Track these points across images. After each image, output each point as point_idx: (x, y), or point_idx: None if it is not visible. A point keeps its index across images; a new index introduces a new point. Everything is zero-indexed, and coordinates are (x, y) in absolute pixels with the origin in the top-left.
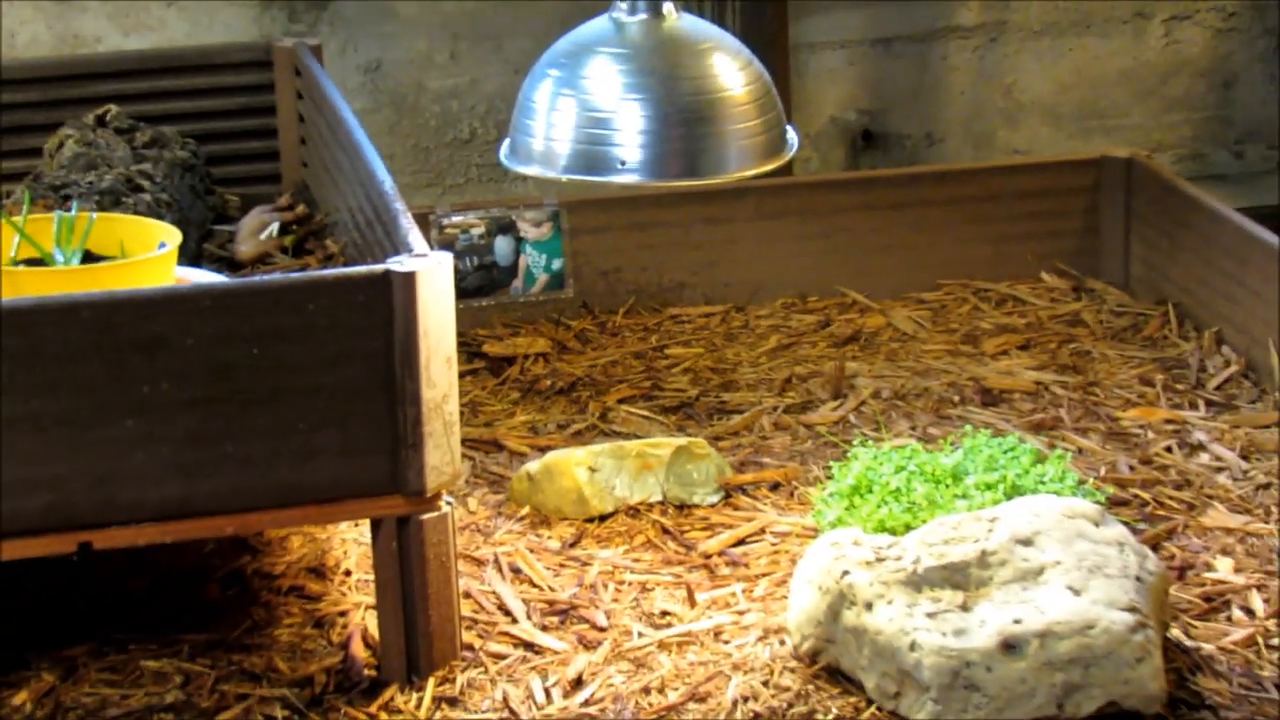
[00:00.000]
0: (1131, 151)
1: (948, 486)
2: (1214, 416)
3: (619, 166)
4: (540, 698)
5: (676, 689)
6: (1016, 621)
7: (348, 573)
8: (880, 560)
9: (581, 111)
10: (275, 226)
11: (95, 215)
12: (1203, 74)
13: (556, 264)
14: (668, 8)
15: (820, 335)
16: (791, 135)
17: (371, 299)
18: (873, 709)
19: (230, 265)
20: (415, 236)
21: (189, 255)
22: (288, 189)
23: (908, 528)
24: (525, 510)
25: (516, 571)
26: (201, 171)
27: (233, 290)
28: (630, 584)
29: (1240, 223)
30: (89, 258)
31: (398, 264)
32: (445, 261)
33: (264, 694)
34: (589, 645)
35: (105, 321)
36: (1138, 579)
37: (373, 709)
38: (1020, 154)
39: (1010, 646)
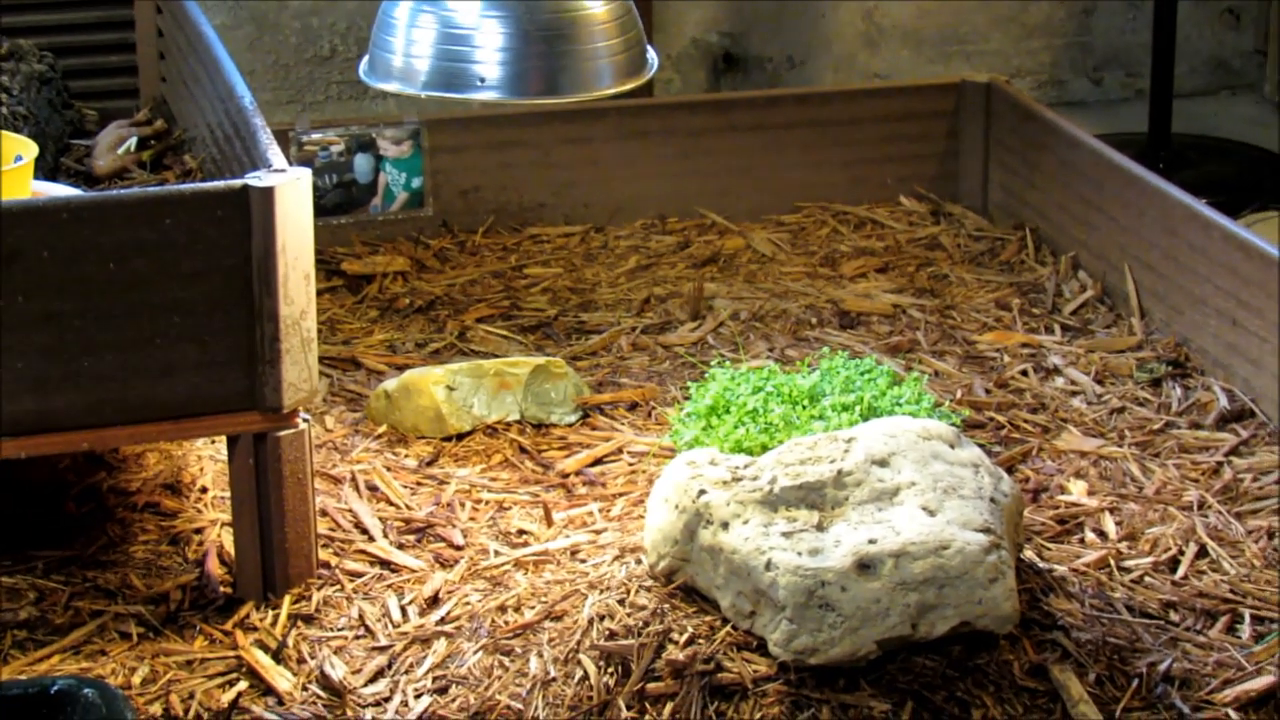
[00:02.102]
0: (991, 77)
1: (805, 407)
2: (1069, 341)
3: (479, 84)
4: (396, 615)
5: (533, 607)
6: (871, 542)
7: (204, 490)
8: (737, 480)
9: (441, 28)
10: (133, 141)
11: None
12: (1062, 0)
13: (416, 182)
14: None
15: (679, 256)
16: (651, 55)
17: (229, 214)
18: (728, 628)
19: (87, 179)
20: (274, 152)
21: (46, 169)
22: (146, 104)
23: (764, 448)
24: (383, 428)
25: (373, 490)
26: (59, 85)
27: (89, 204)
28: (487, 503)
29: (1098, 149)
30: None
31: (256, 179)
32: (304, 177)
33: (119, 610)
34: (446, 564)
35: None
36: (992, 500)
37: (228, 626)
38: (880, 78)
39: (865, 566)
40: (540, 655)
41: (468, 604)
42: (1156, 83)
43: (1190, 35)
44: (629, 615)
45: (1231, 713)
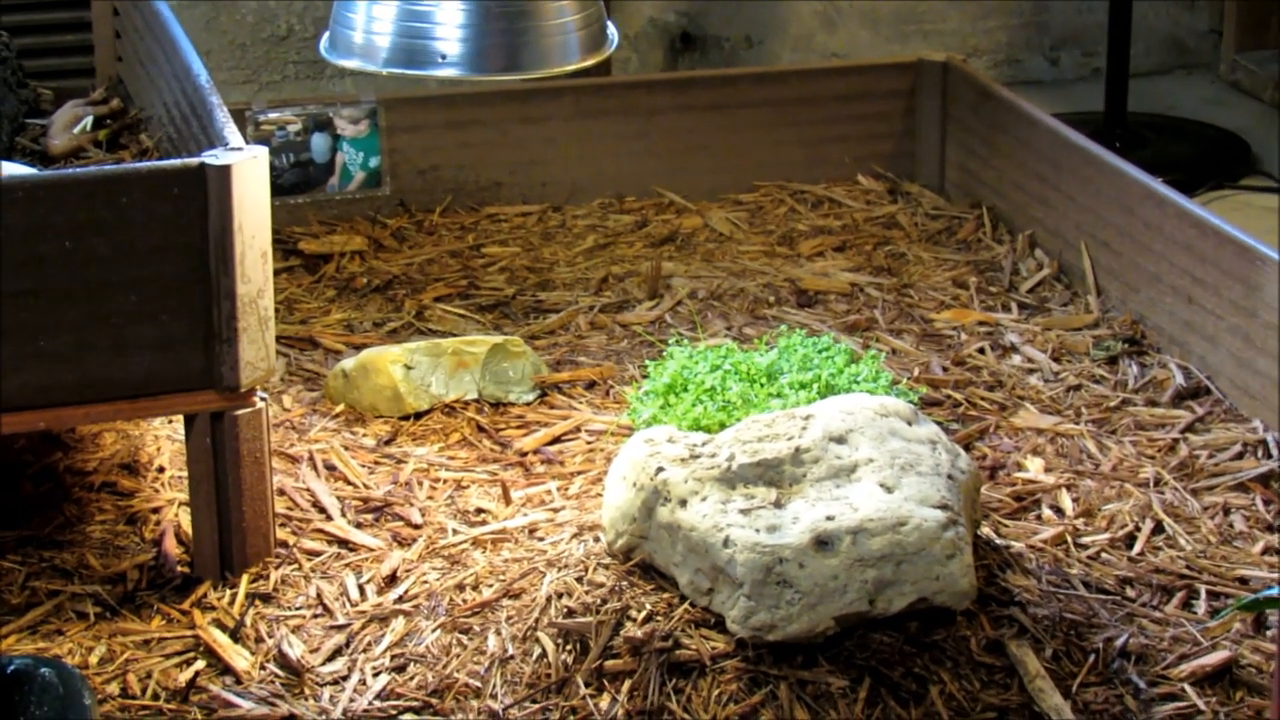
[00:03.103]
0: (948, 56)
1: (762, 385)
2: (1026, 319)
3: (440, 60)
4: (354, 594)
5: (491, 585)
6: (829, 518)
7: (161, 469)
8: (695, 457)
9: (403, 5)
10: (89, 120)
11: None
12: None
13: (374, 162)
14: None
15: (637, 235)
16: (612, 31)
17: (186, 192)
18: (686, 605)
19: (43, 159)
20: (231, 130)
21: (0, 149)
22: (102, 83)
23: (722, 426)
24: (340, 408)
25: (331, 469)
26: (14, 64)
27: (45, 183)
28: (445, 481)
29: (1055, 127)
30: None
31: (213, 157)
32: (261, 156)
33: (76, 590)
34: (404, 542)
35: None
36: (949, 477)
37: (185, 605)
38: (838, 57)
39: (823, 543)
40: (498, 633)
41: (426, 582)
42: (1113, 62)
43: (1146, 15)
44: (587, 593)
45: (1187, 687)
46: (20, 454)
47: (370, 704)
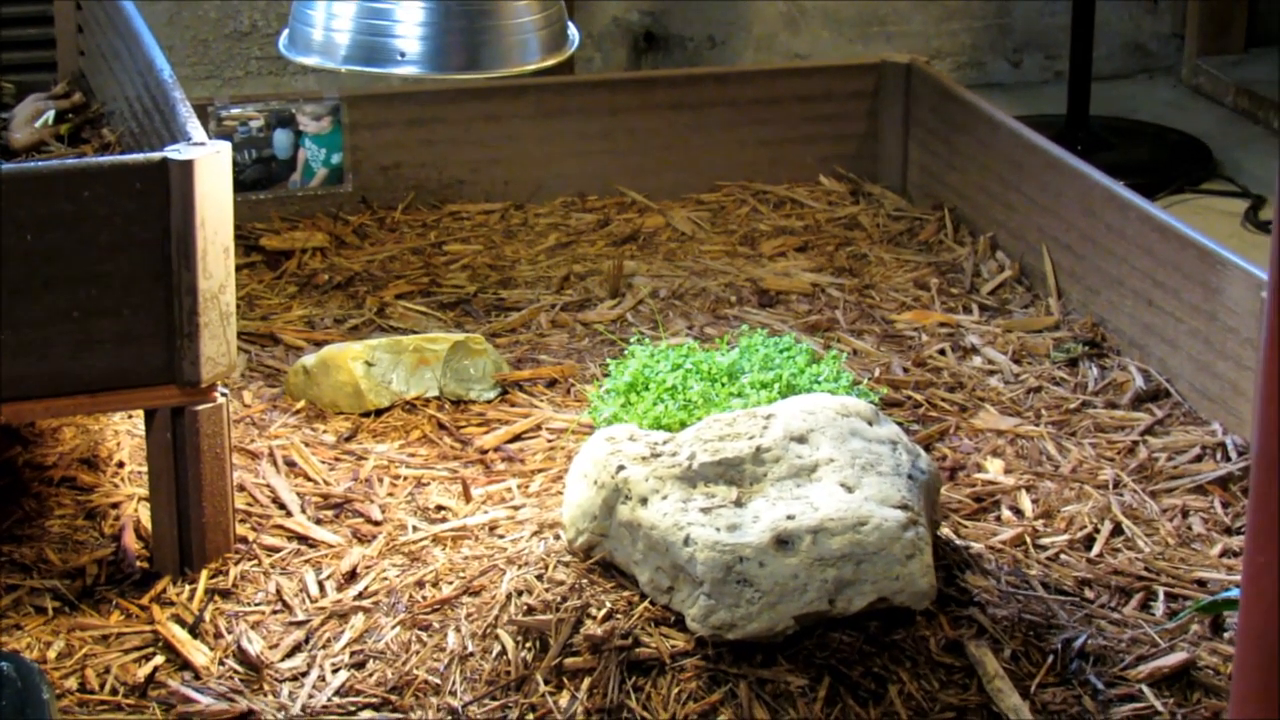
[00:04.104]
0: (911, 57)
1: (724, 385)
2: (987, 320)
3: (399, 58)
4: (314, 590)
5: (451, 583)
6: (790, 517)
7: (121, 464)
8: (656, 456)
9: (362, 2)
10: (51, 114)
11: None
12: None
13: (336, 158)
14: None
15: (599, 234)
16: (572, 31)
17: (148, 187)
18: (646, 603)
19: (4, 153)
20: (194, 125)
21: None
22: (64, 77)
23: (683, 425)
24: (301, 404)
25: (291, 465)
26: None
27: (6, 176)
28: (406, 478)
29: (1017, 130)
30: None
31: (175, 152)
32: (224, 151)
33: (34, 585)
34: (363, 539)
35: None
36: (910, 477)
37: (145, 600)
38: (801, 58)
39: (783, 542)
40: (458, 630)
41: (385, 579)
42: (1075, 65)
43: (1109, 19)
44: (547, 590)
45: (1145, 688)
46: None
47: (329, 700)
